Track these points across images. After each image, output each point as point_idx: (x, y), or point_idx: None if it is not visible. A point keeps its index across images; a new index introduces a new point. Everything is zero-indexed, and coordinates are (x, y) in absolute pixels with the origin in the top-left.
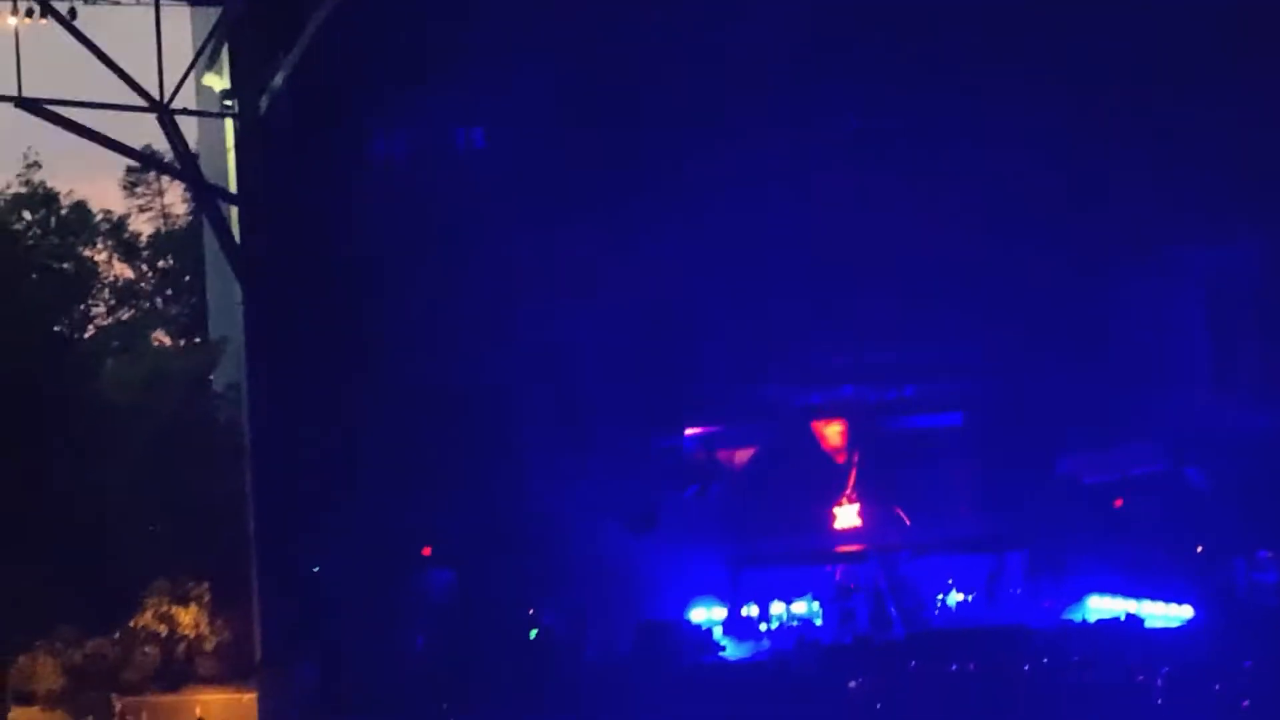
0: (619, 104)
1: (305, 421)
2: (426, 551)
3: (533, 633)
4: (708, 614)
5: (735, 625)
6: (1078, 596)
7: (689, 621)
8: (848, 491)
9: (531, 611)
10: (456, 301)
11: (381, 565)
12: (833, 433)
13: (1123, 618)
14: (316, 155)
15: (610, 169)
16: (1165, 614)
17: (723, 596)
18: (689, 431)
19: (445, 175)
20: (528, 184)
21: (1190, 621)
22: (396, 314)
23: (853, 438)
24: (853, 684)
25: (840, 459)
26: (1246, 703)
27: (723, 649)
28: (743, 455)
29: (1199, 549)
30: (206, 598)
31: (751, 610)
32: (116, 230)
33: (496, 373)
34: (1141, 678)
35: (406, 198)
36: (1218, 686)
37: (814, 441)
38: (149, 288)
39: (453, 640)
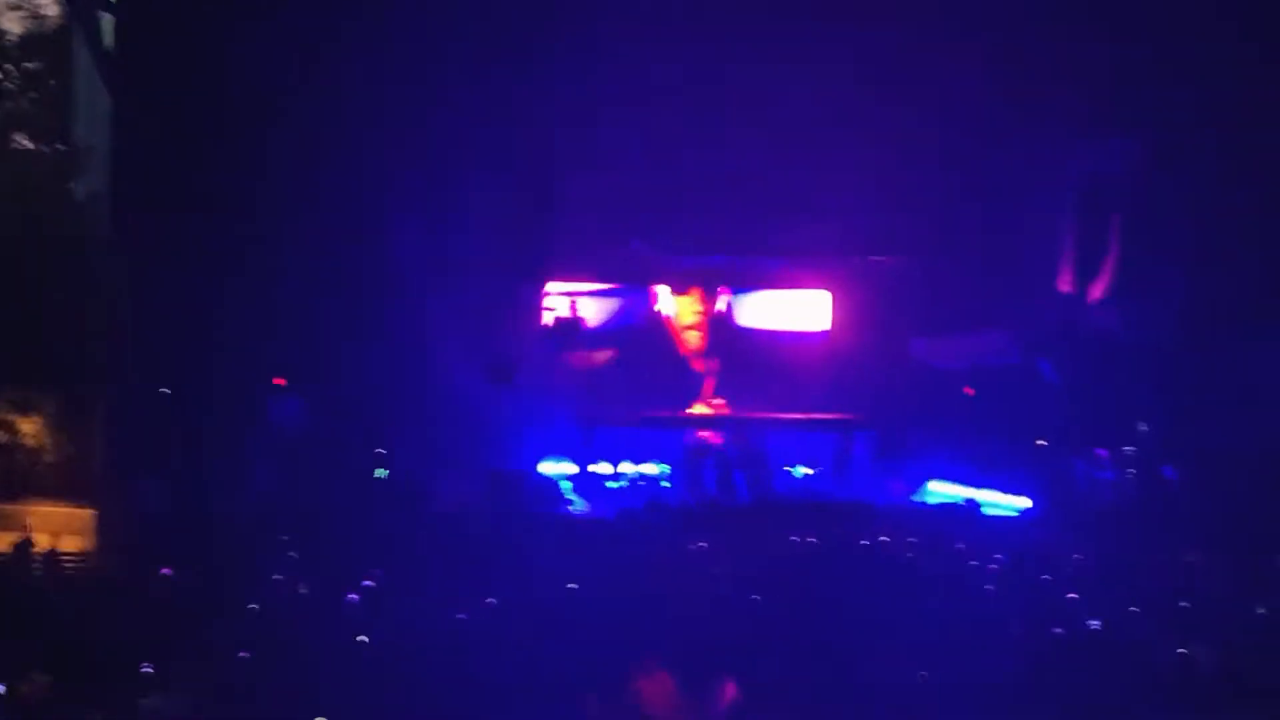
0: None
1: (167, 241)
2: (280, 382)
3: (381, 472)
4: (558, 469)
5: (585, 481)
6: (920, 480)
7: (538, 473)
8: (705, 396)
9: (382, 452)
10: (334, 137)
11: (234, 393)
12: (690, 323)
13: (962, 503)
14: None
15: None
16: (1003, 503)
17: (574, 454)
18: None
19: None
20: (414, 31)
21: (1026, 512)
22: (270, 145)
23: (713, 336)
24: (696, 546)
25: (699, 366)
26: (1072, 595)
27: (570, 503)
28: (604, 353)
29: (1041, 442)
30: (52, 410)
31: (603, 468)
32: None
33: (369, 211)
34: (974, 562)
35: (293, 28)
36: (1046, 577)
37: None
38: (14, 88)
39: (300, 473)
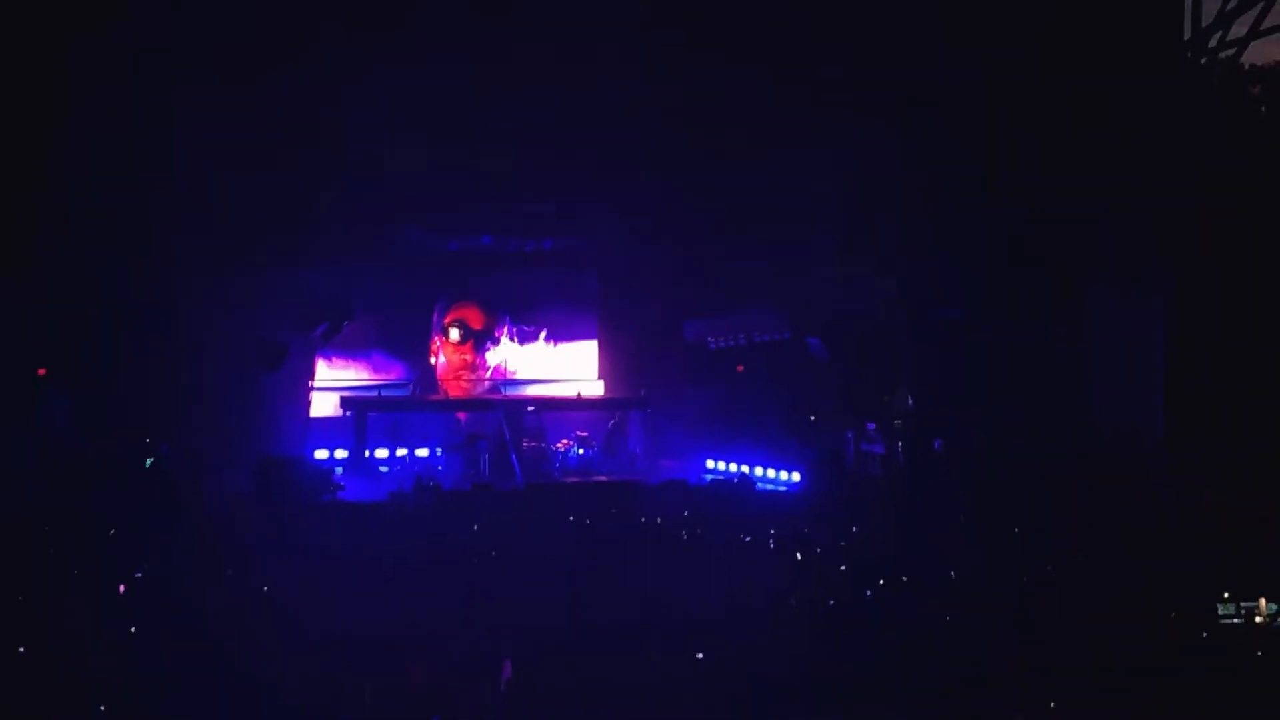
0: None
1: None
2: (41, 372)
3: (148, 462)
4: (330, 456)
5: (357, 465)
6: (695, 458)
7: (310, 459)
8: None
9: (149, 441)
10: (96, 120)
11: None
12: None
13: (735, 479)
14: None
15: None
16: (776, 479)
17: (347, 439)
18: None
19: None
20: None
21: (800, 487)
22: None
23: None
24: (474, 528)
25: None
26: (844, 567)
27: (342, 487)
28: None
29: (812, 418)
30: None
31: (378, 453)
32: None
33: (129, 193)
34: (749, 538)
35: None
36: (819, 550)
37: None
38: None
39: (66, 467)
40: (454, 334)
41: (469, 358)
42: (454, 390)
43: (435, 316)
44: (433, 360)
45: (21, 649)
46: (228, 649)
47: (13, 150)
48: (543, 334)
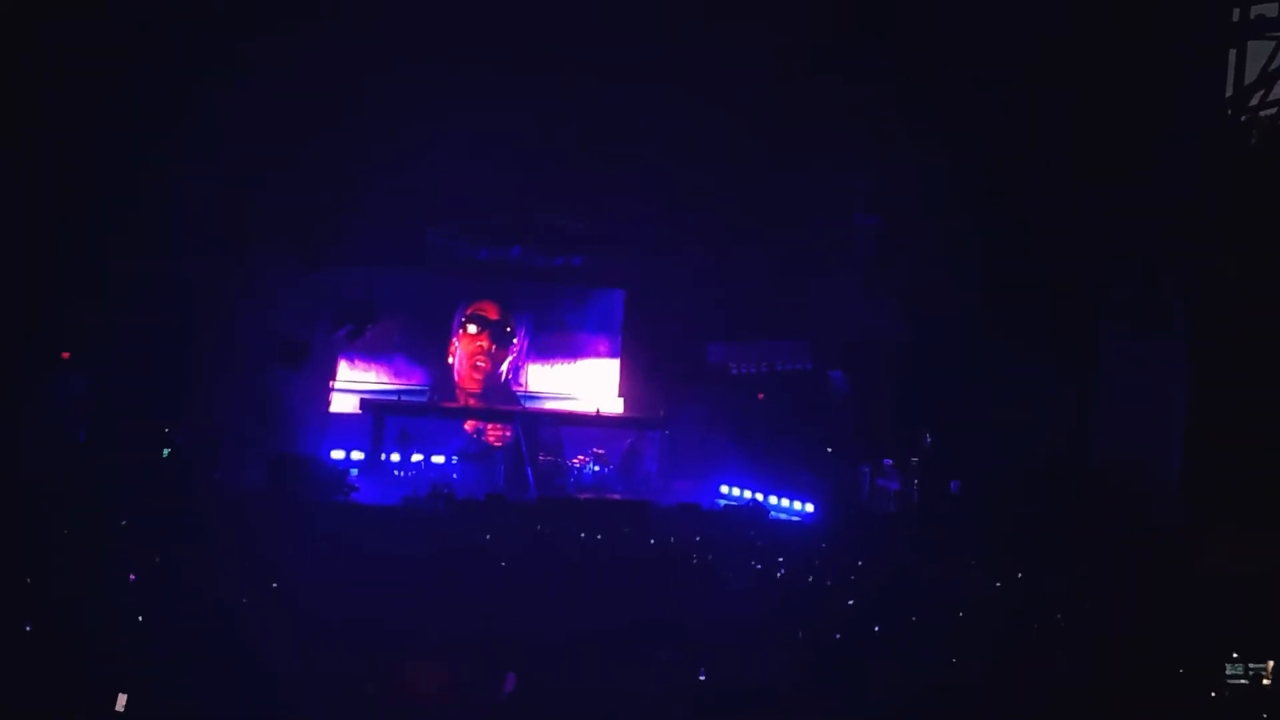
0: None
1: None
2: (65, 356)
3: (165, 452)
4: (346, 456)
5: (372, 468)
6: (709, 482)
7: (326, 459)
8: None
9: (165, 431)
10: (112, 104)
11: (14, 368)
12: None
13: (748, 506)
14: None
15: None
16: (790, 509)
17: (363, 441)
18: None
19: None
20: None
21: (812, 518)
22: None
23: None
24: (486, 537)
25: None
26: (852, 601)
27: (356, 489)
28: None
29: (829, 450)
30: None
31: (392, 457)
32: None
33: (152, 176)
34: (759, 565)
35: None
36: (829, 582)
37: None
38: None
39: (79, 450)
40: (471, 327)
41: (484, 344)
42: (468, 385)
43: (455, 320)
44: (450, 360)
45: (28, 628)
46: (234, 641)
47: (35, 143)
48: (563, 350)
